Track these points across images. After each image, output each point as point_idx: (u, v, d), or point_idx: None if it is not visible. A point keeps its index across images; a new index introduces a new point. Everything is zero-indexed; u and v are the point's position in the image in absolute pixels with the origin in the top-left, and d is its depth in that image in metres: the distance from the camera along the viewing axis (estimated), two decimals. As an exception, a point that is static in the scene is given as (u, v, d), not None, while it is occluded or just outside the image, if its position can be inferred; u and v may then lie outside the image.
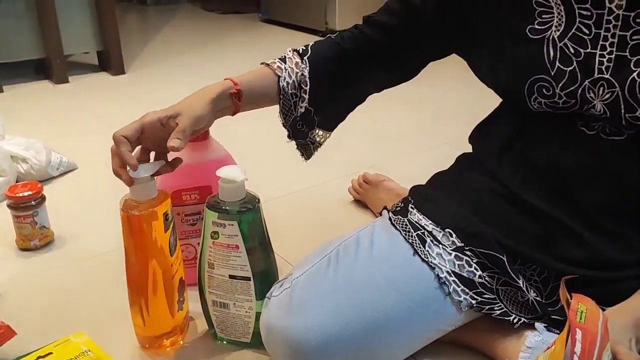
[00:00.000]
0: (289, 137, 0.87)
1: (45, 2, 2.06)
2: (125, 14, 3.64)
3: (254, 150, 1.49)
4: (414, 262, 0.73)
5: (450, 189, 0.81)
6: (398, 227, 0.77)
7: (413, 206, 0.80)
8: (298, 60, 0.84)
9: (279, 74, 0.82)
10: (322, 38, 0.88)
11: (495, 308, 0.74)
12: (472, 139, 0.86)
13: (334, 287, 0.71)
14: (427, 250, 0.74)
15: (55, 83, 2.18)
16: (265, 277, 0.78)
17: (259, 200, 0.78)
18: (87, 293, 0.97)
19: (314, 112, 0.84)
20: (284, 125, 0.86)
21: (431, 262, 0.73)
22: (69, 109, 1.92)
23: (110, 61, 2.28)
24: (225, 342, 0.83)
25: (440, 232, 0.75)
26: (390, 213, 0.80)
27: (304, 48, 0.85)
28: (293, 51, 0.85)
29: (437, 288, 0.73)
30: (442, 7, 0.77)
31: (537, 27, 0.69)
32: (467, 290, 0.73)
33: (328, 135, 0.89)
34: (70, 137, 1.65)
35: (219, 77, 0.81)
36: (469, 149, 0.87)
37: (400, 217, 0.78)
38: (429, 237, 0.75)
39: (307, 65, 0.83)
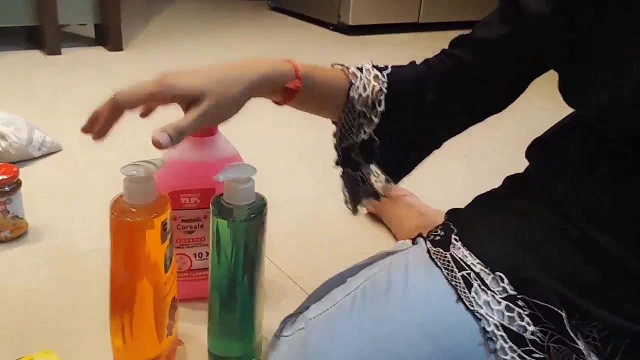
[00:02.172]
0: (337, 163, 0.71)
1: (42, -34, 1.92)
2: (127, -11, 3.48)
3: (256, 148, 1.36)
4: (456, 310, 0.61)
5: (498, 219, 0.69)
6: (439, 263, 0.64)
7: (457, 237, 0.67)
8: (377, 73, 0.68)
9: (353, 81, 0.67)
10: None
11: (546, 370, 0.62)
12: (533, 157, 0.73)
13: (358, 335, 0.59)
14: (473, 297, 0.62)
15: (47, 54, 2.03)
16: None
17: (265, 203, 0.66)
18: (59, 301, 0.83)
19: (378, 144, 0.68)
20: (335, 147, 0.70)
21: (477, 312, 0.61)
22: (59, 83, 1.77)
23: (108, 35, 2.13)
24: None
25: (489, 274, 0.63)
26: (428, 243, 0.68)
27: (382, 65, 0.70)
28: (372, 65, 0.70)
29: (482, 344, 0.61)
30: (561, 10, 0.63)
31: None
32: (515, 348, 0.61)
33: (389, 186, 0.72)
34: (56, 115, 1.51)
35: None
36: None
37: (441, 250, 0.66)
38: (475, 280, 0.63)
39: (387, 82, 0.67)
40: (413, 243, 0.74)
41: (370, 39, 2.72)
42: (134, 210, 0.61)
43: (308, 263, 0.96)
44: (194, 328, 0.78)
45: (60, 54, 2.05)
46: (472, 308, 0.61)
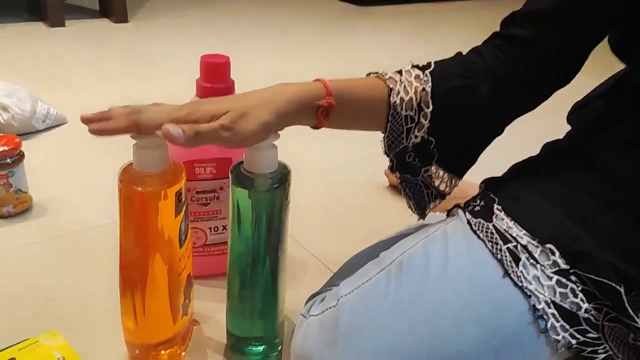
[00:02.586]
0: (390, 168, 0.65)
1: None
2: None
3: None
4: (503, 287, 0.55)
5: (542, 187, 0.63)
6: (481, 235, 0.58)
7: (499, 207, 0.61)
8: (419, 72, 0.62)
9: (391, 85, 0.61)
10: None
11: (600, 351, 0.56)
12: (574, 122, 0.67)
13: (396, 315, 0.54)
14: (522, 272, 0.56)
15: (50, 26, 1.96)
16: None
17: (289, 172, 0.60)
18: (66, 280, 0.78)
19: (434, 144, 0.63)
20: (386, 154, 0.64)
21: (526, 288, 0.55)
22: (62, 56, 1.71)
23: (112, 7, 2.06)
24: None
25: (537, 247, 0.57)
26: (467, 214, 0.62)
27: (424, 64, 0.64)
28: (412, 66, 0.64)
29: (531, 323, 0.55)
30: None
31: None
32: (567, 327, 0.55)
33: (454, 182, 0.66)
34: (60, 87, 1.44)
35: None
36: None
37: (482, 221, 0.60)
38: (523, 253, 0.57)
39: (430, 80, 0.61)
40: (448, 215, 0.68)
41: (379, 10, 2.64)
42: (145, 179, 0.55)
43: (331, 239, 0.90)
44: (210, 307, 0.73)
45: (63, 25, 1.98)
46: (520, 284, 0.55)
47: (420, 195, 0.67)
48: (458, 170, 0.67)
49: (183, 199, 0.58)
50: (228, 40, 1.83)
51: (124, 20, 2.07)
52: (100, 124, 0.51)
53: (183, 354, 0.66)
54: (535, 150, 0.69)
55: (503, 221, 0.60)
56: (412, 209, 0.68)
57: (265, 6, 2.59)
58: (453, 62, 0.64)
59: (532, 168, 0.68)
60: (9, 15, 2.02)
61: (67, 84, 1.48)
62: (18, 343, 0.63)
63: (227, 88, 0.69)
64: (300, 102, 0.56)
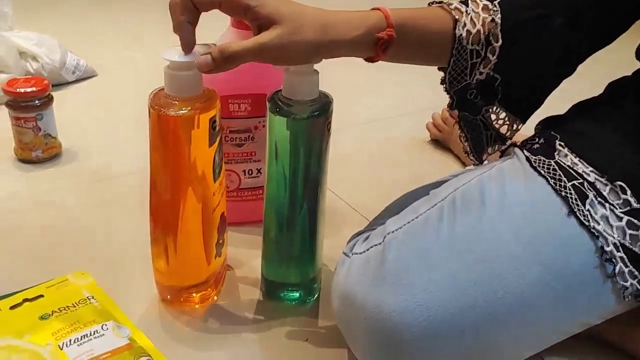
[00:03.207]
0: (449, 106, 0.61)
1: None
2: None
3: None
4: (567, 226, 0.50)
5: (609, 123, 0.57)
6: (543, 172, 0.53)
7: (562, 143, 0.55)
8: (487, 2, 0.56)
9: (457, 16, 0.56)
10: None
11: (671, 301, 0.51)
12: None
13: (449, 252, 0.49)
14: (589, 210, 0.50)
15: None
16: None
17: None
18: (96, 223, 0.75)
19: (499, 81, 0.58)
20: (446, 91, 0.59)
21: (593, 228, 0.50)
22: (92, 11, 1.68)
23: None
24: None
25: (606, 184, 0.51)
26: (524, 151, 0.56)
27: None
28: None
29: (597, 267, 0.50)
30: None
31: None
32: (636, 273, 0.50)
33: (516, 125, 0.61)
34: (90, 41, 1.42)
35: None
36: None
37: (543, 158, 0.54)
38: (590, 190, 0.51)
39: (500, 10, 0.56)
40: (502, 155, 0.62)
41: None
42: (176, 102, 0.51)
43: (371, 191, 0.86)
44: (244, 253, 0.69)
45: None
46: (587, 223, 0.50)
47: (478, 137, 0.61)
48: (522, 113, 0.61)
49: (217, 128, 0.54)
50: None
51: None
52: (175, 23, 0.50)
53: (215, 297, 0.63)
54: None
55: (567, 157, 0.54)
56: (468, 153, 0.63)
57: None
58: None
59: (596, 105, 0.61)
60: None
61: (98, 39, 1.45)
62: (47, 281, 0.61)
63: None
64: (357, 31, 0.51)
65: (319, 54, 0.51)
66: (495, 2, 0.57)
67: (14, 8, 1.11)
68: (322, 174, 0.58)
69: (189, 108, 0.51)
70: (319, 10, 0.51)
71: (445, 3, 0.58)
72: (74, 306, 0.58)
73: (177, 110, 0.51)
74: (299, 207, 0.59)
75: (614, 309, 0.52)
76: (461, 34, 0.56)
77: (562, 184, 0.52)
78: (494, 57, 0.56)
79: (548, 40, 0.57)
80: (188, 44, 0.50)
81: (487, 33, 0.56)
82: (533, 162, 0.54)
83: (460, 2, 0.58)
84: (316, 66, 0.54)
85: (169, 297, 0.62)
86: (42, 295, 0.59)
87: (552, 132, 0.58)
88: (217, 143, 0.55)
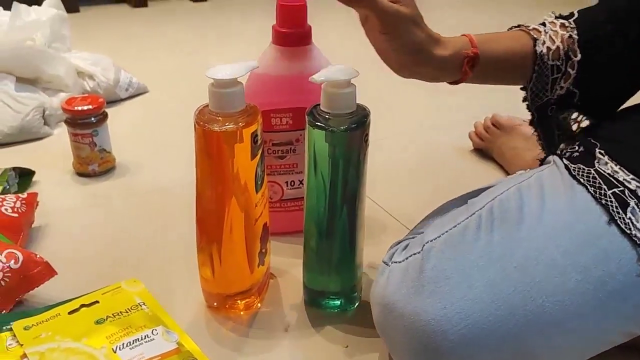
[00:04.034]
0: (531, 123, 0.65)
1: None
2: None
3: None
4: (608, 234, 0.50)
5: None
6: (583, 180, 0.53)
7: (602, 151, 0.55)
8: (563, 21, 0.60)
9: (536, 35, 0.60)
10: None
11: None
12: None
13: (488, 260, 0.49)
14: (630, 218, 0.50)
15: (133, 6, 2.02)
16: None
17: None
18: (147, 233, 0.79)
19: (578, 96, 0.61)
20: (528, 108, 0.63)
21: (635, 236, 0.49)
22: (144, 33, 1.76)
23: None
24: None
25: (648, 191, 0.51)
26: (564, 160, 0.56)
27: (566, 13, 0.62)
28: (555, 17, 0.62)
29: (639, 276, 0.49)
30: None
31: None
32: (680, 281, 0.49)
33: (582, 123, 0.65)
34: (142, 60, 1.48)
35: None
36: None
37: (582, 166, 0.54)
38: (631, 198, 0.51)
39: (577, 27, 0.59)
40: (541, 164, 0.62)
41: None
42: (220, 118, 0.54)
43: (411, 200, 0.86)
44: (286, 262, 0.72)
45: (146, 6, 2.04)
46: (628, 231, 0.49)
47: (551, 137, 0.65)
48: (597, 117, 0.64)
49: (259, 141, 0.57)
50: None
51: (203, -1, 2.11)
52: None
53: (259, 304, 0.65)
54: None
55: (607, 165, 0.54)
56: (542, 148, 0.67)
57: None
58: (598, 8, 0.61)
59: (635, 112, 0.61)
60: (97, -1, 2.11)
61: (149, 57, 1.52)
62: (102, 288, 0.64)
63: (304, 33, 0.67)
64: (446, 52, 0.56)
65: (410, 62, 0.55)
66: (571, 20, 0.60)
67: (70, 29, 1.18)
68: (360, 185, 0.59)
69: (232, 124, 0.54)
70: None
71: (523, 25, 0.62)
72: (127, 312, 0.61)
73: (221, 126, 0.53)
74: (337, 217, 0.60)
75: (659, 319, 0.51)
76: (542, 51, 0.59)
77: (602, 192, 0.51)
78: (574, 71, 0.59)
79: (623, 52, 0.59)
80: None
81: (566, 49, 0.59)
82: (572, 171, 0.54)
83: (538, 24, 0.61)
84: (355, 80, 0.55)
85: (215, 304, 0.65)
86: (97, 302, 0.62)
87: (592, 140, 0.58)
88: (258, 156, 0.57)
